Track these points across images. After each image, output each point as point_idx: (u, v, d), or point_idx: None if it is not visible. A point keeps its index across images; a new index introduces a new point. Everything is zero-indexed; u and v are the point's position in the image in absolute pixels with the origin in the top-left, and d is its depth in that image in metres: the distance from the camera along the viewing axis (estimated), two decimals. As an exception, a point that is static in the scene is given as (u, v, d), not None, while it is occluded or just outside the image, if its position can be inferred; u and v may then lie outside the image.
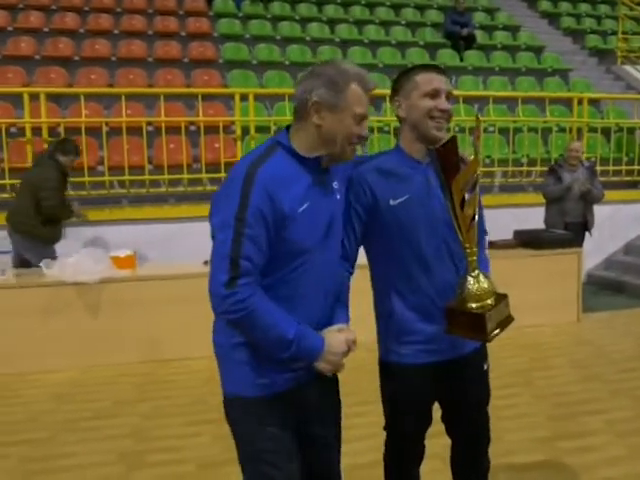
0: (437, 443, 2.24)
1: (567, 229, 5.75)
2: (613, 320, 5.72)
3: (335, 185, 1.78)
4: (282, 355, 1.62)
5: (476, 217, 1.80)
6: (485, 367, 2.05)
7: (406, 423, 2.00)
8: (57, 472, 2.97)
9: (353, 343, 1.73)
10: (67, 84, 7.59)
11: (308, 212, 1.64)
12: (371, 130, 6.88)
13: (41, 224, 5.08)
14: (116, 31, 8.76)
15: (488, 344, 1.93)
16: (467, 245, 1.80)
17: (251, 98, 6.44)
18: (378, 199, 1.85)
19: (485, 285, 1.79)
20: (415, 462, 2.10)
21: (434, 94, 1.83)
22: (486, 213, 2.06)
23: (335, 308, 1.81)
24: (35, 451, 3.20)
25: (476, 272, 1.80)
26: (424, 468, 2.15)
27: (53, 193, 5.03)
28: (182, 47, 8.68)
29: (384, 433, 2.09)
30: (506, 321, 1.84)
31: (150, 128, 6.61)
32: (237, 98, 6.46)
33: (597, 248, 6.89)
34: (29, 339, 4.35)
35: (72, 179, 5.92)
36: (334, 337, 1.69)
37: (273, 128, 6.47)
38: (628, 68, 10.38)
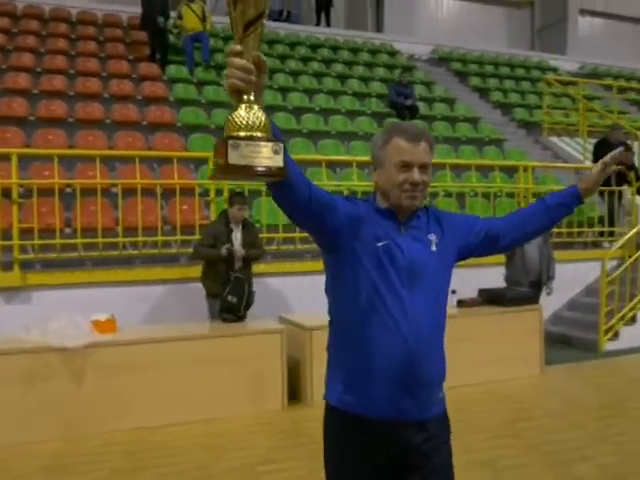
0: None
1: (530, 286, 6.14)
2: (573, 372, 6.07)
3: (431, 237, 1.83)
4: None
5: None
6: None
7: None
8: None
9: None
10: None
11: (387, 249, 1.75)
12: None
13: (205, 275, 5.37)
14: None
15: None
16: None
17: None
18: None
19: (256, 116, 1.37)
20: None
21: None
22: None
23: None
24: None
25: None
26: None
27: (204, 234, 5.37)
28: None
29: None
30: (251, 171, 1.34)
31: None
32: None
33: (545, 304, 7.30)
34: (10, 408, 4.12)
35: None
36: None
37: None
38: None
